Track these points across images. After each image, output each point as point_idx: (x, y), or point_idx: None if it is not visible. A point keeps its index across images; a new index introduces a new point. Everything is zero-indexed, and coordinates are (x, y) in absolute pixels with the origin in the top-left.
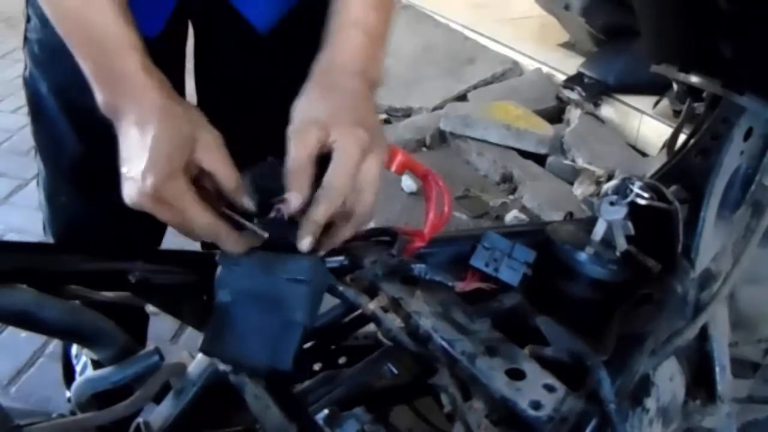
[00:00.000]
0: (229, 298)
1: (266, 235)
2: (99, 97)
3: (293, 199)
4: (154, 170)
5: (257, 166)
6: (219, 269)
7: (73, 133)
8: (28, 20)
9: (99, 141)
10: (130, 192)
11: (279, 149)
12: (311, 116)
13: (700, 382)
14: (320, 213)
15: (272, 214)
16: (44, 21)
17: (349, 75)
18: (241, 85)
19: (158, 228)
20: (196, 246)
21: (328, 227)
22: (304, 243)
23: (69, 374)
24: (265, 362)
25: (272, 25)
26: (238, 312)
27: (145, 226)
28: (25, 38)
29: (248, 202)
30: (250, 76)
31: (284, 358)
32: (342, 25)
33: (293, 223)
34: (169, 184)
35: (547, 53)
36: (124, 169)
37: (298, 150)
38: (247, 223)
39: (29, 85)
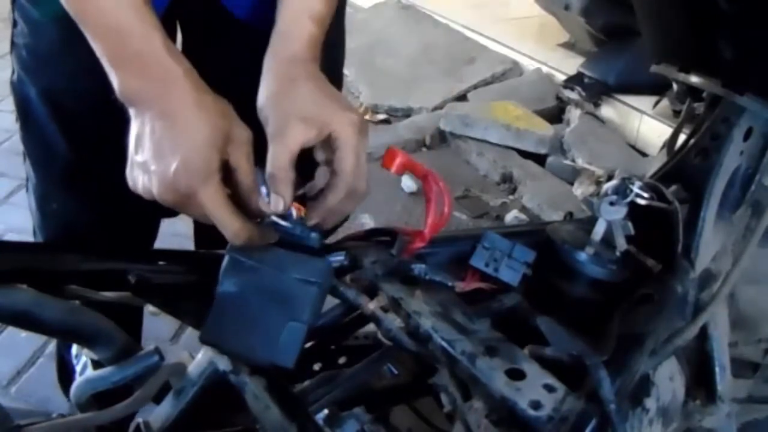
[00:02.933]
0: (234, 289)
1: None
2: (116, 81)
3: (279, 203)
4: (189, 171)
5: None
6: (226, 259)
7: (64, 140)
8: (15, 25)
9: (90, 147)
10: (155, 187)
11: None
12: (294, 114)
13: (700, 382)
14: (336, 198)
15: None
16: (31, 26)
17: (310, 63)
18: (232, 84)
19: (149, 233)
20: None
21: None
22: (312, 223)
23: (64, 376)
24: (267, 358)
25: (250, 11)
26: (243, 305)
27: (136, 232)
28: (12, 43)
29: (263, 204)
30: (240, 75)
31: (288, 355)
32: (295, 17)
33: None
34: (204, 188)
35: (547, 53)
36: (142, 158)
37: (281, 153)
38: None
39: (17, 90)
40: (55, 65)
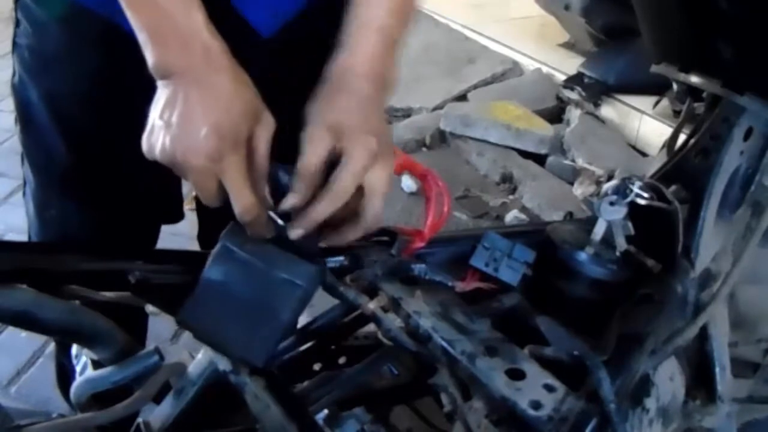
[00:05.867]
0: (220, 276)
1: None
2: (153, 55)
3: (290, 199)
4: (220, 136)
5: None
6: (218, 245)
7: (64, 144)
8: (17, 24)
9: (91, 152)
10: (180, 149)
11: (285, 153)
12: (326, 122)
13: (700, 382)
14: (318, 211)
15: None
16: (35, 26)
17: (364, 79)
18: None
19: (150, 239)
20: (195, 246)
21: (338, 226)
22: (294, 233)
23: (63, 381)
24: (239, 352)
25: (276, 30)
26: (225, 294)
27: (136, 238)
28: (14, 43)
29: (268, 196)
30: (255, 82)
31: (259, 353)
32: (360, 27)
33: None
34: (231, 155)
35: (547, 53)
36: (168, 121)
37: (310, 156)
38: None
39: (18, 92)
40: (59, 68)
